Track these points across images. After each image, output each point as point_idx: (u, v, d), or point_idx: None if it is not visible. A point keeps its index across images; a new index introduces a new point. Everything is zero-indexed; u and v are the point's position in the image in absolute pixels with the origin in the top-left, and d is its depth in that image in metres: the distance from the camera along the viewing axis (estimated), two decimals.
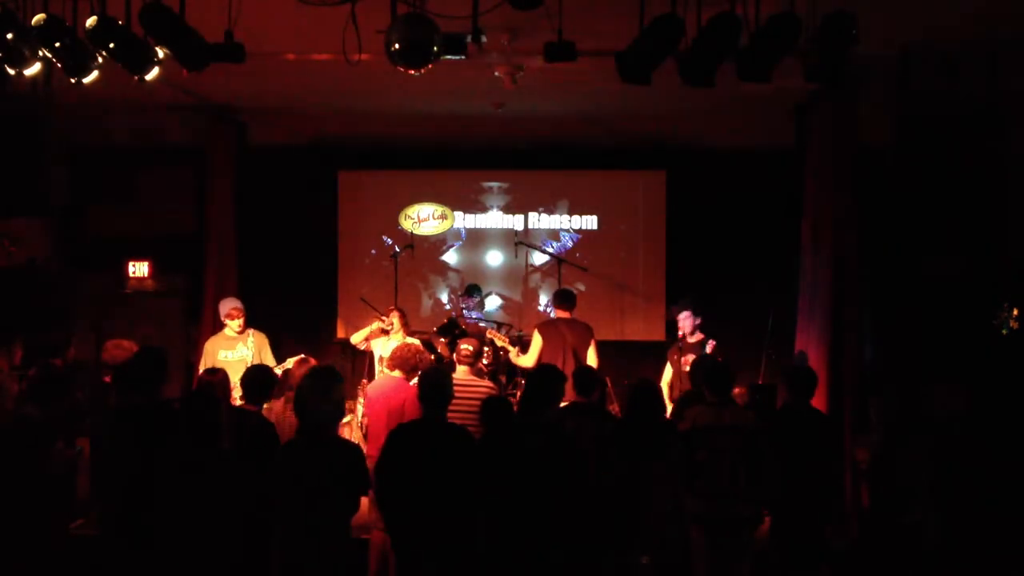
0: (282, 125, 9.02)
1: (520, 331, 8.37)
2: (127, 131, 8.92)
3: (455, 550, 4.32)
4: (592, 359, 7.03)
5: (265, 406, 5.89)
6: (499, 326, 8.30)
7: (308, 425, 4.32)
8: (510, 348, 7.31)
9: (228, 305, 7.06)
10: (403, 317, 7.36)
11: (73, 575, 5.03)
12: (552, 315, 7.42)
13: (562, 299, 7.30)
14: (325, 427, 4.30)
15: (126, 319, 8.34)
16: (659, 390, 6.57)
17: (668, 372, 7.27)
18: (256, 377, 5.23)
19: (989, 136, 7.26)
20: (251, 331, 7.03)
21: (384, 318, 7.35)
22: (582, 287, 9.36)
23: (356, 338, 7.57)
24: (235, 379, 5.60)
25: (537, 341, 7.04)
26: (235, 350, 6.91)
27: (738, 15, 4.46)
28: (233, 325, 6.97)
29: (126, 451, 4.51)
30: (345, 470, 4.26)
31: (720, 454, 4.93)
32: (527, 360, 7.03)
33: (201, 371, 6.72)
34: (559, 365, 6.64)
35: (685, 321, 7.20)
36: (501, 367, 7.80)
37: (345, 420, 7.41)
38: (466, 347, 5.99)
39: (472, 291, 8.49)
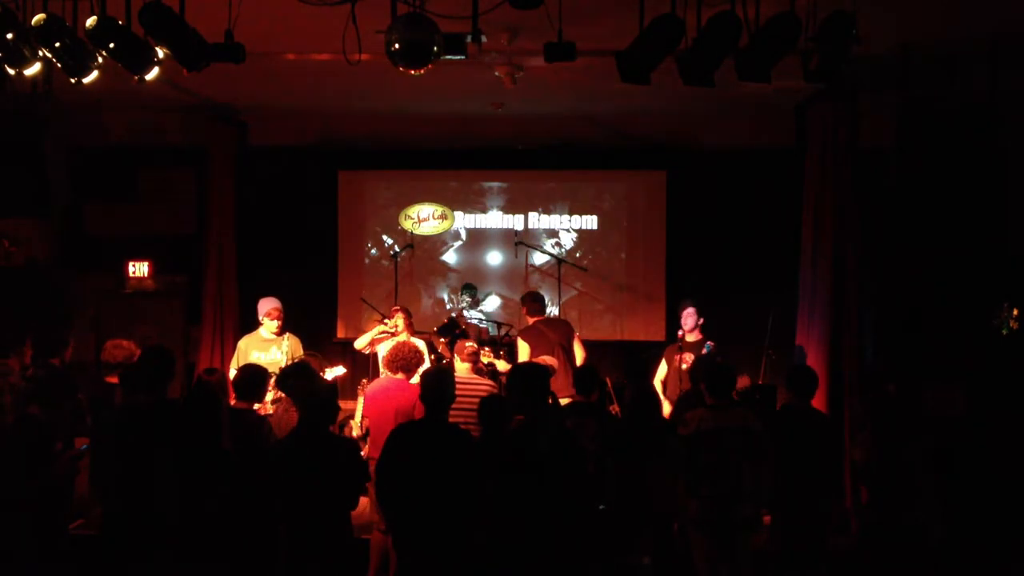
0: (282, 125, 9.02)
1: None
2: (127, 131, 8.92)
3: (456, 550, 4.32)
4: (579, 352, 7.10)
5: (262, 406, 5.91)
6: (499, 326, 8.30)
7: (299, 422, 4.37)
8: (496, 362, 7.18)
9: (268, 304, 6.93)
10: (408, 317, 7.31)
11: (73, 575, 5.03)
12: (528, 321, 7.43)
13: (534, 302, 7.37)
14: (313, 423, 4.33)
15: (126, 319, 8.33)
16: (655, 392, 6.57)
17: (663, 370, 7.29)
18: (248, 376, 5.23)
19: (989, 136, 7.26)
20: (287, 335, 6.95)
21: (387, 320, 7.30)
22: (582, 287, 9.38)
23: (360, 343, 7.47)
24: None
25: (524, 348, 7.07)
26: (268, 352, 6.81)
27: (738, 15, 4.47)
28: (270, 325, 6.87)
29: (130, 449, 4.51)
30: (339, 466, 4.28)
31: (726, 457, 4.91)
32: None
33: (232, 369, 6.72)
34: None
35: (688, 318, 7.24)
36: None
37: (354, 421, 7.39)
38: (470, 344, 6.00)
39: (466, 290, 8.48)
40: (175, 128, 8.90)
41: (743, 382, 6.53)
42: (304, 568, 4.27)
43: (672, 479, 5.04)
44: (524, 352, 7.06)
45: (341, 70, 4.91)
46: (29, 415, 4.84)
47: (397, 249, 9.11)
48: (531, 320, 7.33)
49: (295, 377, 5.36)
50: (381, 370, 7.07)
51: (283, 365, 6.63)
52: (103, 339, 6.58)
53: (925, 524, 5.13)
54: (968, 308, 7.06)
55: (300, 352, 6.98)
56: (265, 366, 5.72)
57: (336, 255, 9.53)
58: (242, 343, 7.04)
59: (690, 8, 4.50)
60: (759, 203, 8.71)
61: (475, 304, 8.47)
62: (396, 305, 7.59)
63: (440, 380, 4.59)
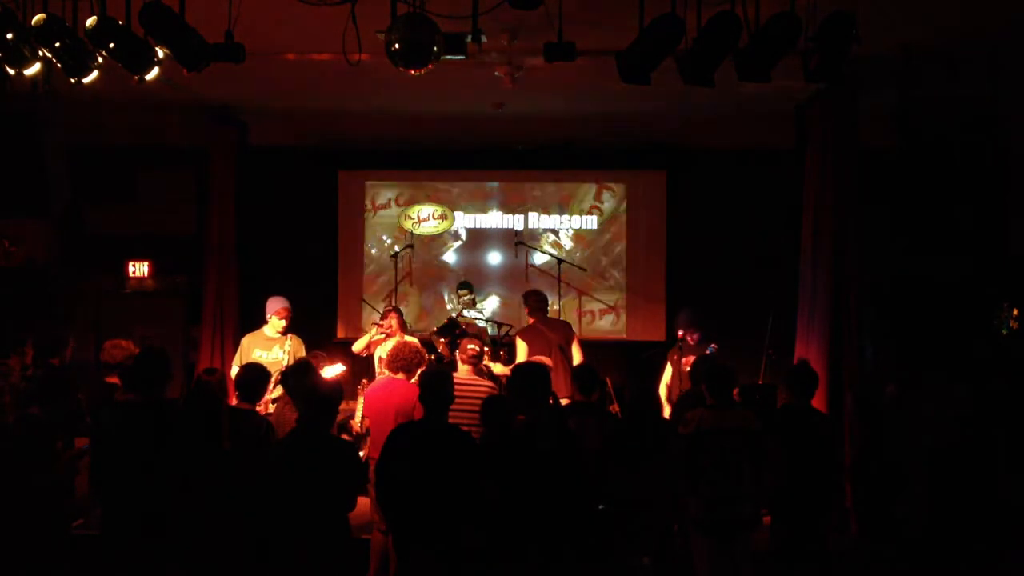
0: (282, 125, 9.01)
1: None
2: (127, 131, 8.91)
3: (456, 551, 4.32)
4: (576, 355, 7.10)
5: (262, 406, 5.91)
6: (498, 326, 8.30)
7: (297, 422, 4.36)
8: (492, 365, 7.10)
9: (278, 304, 6.93)
10: (400, 317, 7.34)
11: (73, 575, 5.03)
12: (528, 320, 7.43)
13: (537, 301, 7.36)
14: (312, 423, 4.33)
15: (126, 319, 8.33)
16: (656, 393, 6.55)
17: (668, 373, 7.28)
18: (251, 376, 5.23)
19: (989, 136, 7.26)
20: (291, 336, 6.94)
21: (382, 322, 7.31)
22: (582, 287, 9.38)
23: (358, 346, 7.48)
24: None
25: (522, 348, 7.06)
26: (271, 351, 6.81)
27: (738, 15, 4.47)
28: (277, 324, 6.87)
29: (130, 449, 4.51)
30: (337, 467, 4.28)
31: (725, 457, 4.91)
32: None
33: (234, 367, 6.72)
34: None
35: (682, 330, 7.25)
36: None
37: (354, 421, 7.40)
38: (472, 346, 5.96)
39: (462, 287, 8.49)
40: (175, 128, 8.89)
41: None
42: (303, 569, 4.27)
43: (672, 479, 5.03)
44: (522, 352, 7.05)
45: (341, 70, 4.91)
46: (29, 415, 4.84)
47: (397, 249, 9.11)
48: (531, 319, 7.33)
49: (296, 376, 5.36)
50: (377, 369, 7.10)
51: (284, 365, 6.65)
52: (103, 339, 6.57)
53: (923, 523, 5.14)
54: (968, 308, 7.06)
55: (302, 353, 6.98)
56: (267, 365, 5.73)
57: (336, 255, 9.54)
58: (245, 341, 7.04)
59: (690, 8, 4.50)
60: (759, 203, 8.71)
61: (472, 304, 8.47)
62: (390, 306, 7.61)
63: (438, 381, 4.58)
